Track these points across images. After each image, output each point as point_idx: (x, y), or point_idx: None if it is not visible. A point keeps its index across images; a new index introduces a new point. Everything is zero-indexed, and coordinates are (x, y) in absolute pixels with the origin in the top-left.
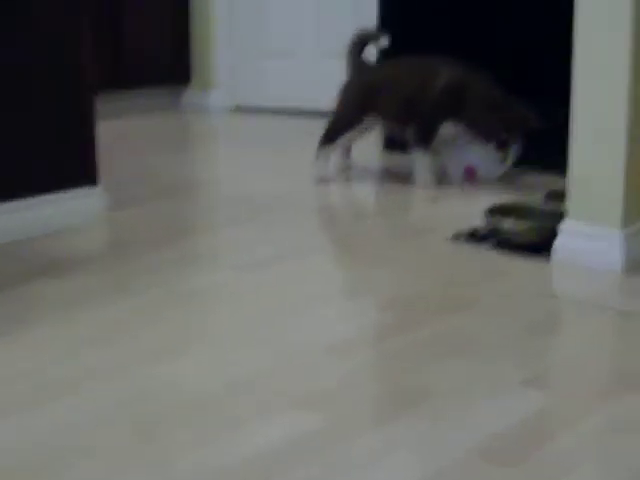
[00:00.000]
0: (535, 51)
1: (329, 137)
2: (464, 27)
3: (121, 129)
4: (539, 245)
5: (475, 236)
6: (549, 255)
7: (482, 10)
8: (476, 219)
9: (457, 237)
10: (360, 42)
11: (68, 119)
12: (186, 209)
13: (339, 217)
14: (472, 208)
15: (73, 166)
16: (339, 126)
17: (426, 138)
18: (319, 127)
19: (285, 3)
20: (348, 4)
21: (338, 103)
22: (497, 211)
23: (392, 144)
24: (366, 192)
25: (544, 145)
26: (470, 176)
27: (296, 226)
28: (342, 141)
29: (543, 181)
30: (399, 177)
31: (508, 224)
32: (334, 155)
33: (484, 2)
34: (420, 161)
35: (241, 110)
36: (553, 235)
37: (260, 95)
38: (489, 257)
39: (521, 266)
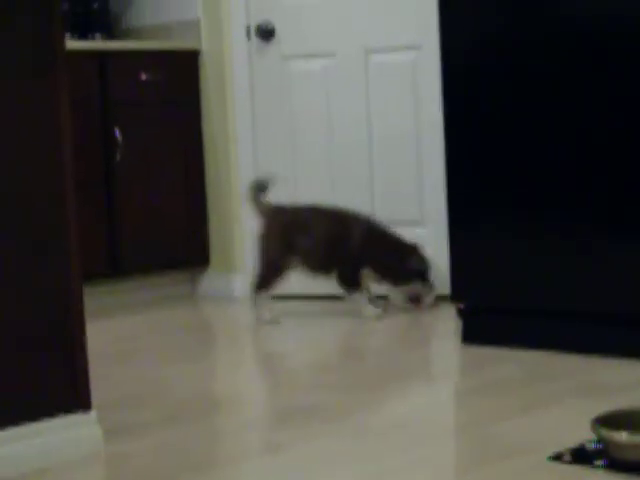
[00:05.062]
0: None
1: (264, 283)
2: None
3: (119, 329)
4: None
5: (583, 455)
6: None
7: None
8: (581, 431)
9: (559, 457)
10: (258, 187)
11: (47, 320)
12: (203, 437)
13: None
14: (575, 417)
15: (56, 386)
16: (272, 271)
17: (352, 282)
18: None
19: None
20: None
21: (264, 248)
22: (607, 421)
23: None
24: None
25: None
26: (416, 302)
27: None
28: (277, 285)
29: None
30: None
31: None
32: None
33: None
34: (355, 298)
35: (276, 298)
36: None
37: (297, 279)
38: None
39: None
